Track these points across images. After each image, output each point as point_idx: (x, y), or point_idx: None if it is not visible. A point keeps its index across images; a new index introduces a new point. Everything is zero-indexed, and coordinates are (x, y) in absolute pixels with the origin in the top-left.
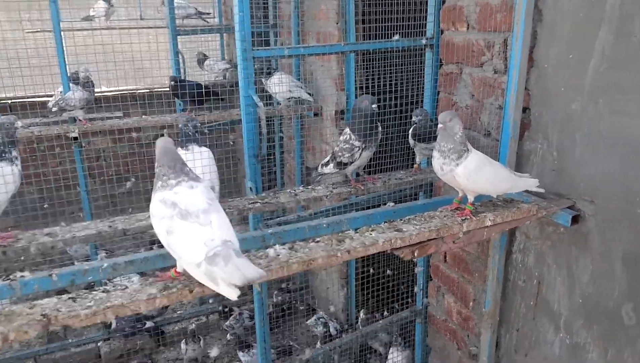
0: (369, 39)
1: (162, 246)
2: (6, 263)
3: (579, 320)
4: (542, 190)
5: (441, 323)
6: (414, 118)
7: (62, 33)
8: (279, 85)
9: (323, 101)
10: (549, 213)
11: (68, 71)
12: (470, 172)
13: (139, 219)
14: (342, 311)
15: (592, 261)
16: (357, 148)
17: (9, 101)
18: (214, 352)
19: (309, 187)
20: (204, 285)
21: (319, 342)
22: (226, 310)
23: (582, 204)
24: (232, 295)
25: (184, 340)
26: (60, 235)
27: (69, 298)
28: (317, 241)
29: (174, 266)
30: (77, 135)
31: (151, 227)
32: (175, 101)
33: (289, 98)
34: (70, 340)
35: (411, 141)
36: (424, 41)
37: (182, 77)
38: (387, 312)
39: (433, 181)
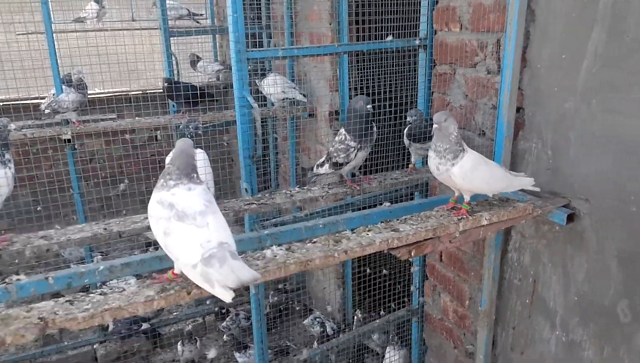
0: (363, 40)
1: (157, 248)
2: (1, 266)
3: (574, 318)
4: (537, 189)
5: (437, 322)
6: (408, 118)
7: (54, 35)
8: (273, 86)
9: (317, 101)
10: (544, 211)
11: (61, 73)
12: (466, 172)
13: (134, 221)
14: (338, 311)
15: (587, 259)
16: (353, 148)
17: (1, 103)
18: (211, 353)
19: (305, 188)
20: (201, 287)
21: (315, 342)
22: (223, 311)
23: (577, 202)
24: (227, 297)
25: (180, 342)
26: (55, 237)
27: (66, 301)
28: (314, 242)
29: (171, 268)
30: (70, 137)
31: (146, 229)
32: (168, 102)
33: (283, 99)
34: (66, 343)
35: (406, 141)
36: (417, 42)
37: (176, 79)
38: (384, 312)
39: (429, 181)
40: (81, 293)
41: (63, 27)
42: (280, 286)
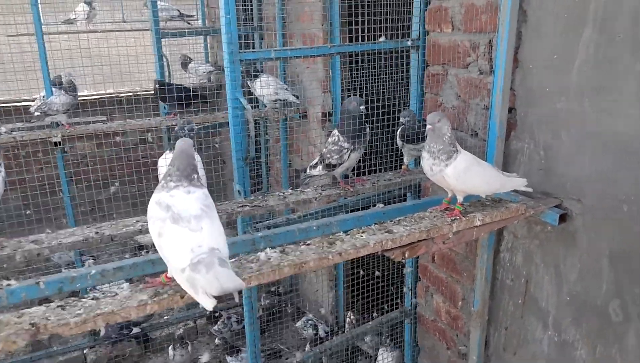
0: (355, 41)
1: (148, 252)
2: None
3: (567, 317)
4: (530, 189)
5: (430, 323)
6: (401, 119)
7: (44, 36)
8: (266, 87)
9: (309, 103)
10: (536, 212)
11: (51, 75)
12: (460, 172)
13: (126, 224)
14: (331, 314)
15: (579, 259)
16: (346, 150)
17: None
18: (204, 358)
19: (298, 189)
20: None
21: (308, 345)
22: (215, 314)
23: (569, 203)
24: (209, 305)
25: (171, 346)
26: (46, 242)
27: (58, 306)
28: (308, 244)
29: (164, 271)
30: (60, 140)
31: (138, 233)
32: (159, 104)
33: (275, 100)
34: (55, 348)
35: (399, 142)
36: (409, 43)
37: (167, 80)
38: (377, 313)
39: (421, 182)
40: (73, 298)
41: (55, 28)
42: (272, 288)
